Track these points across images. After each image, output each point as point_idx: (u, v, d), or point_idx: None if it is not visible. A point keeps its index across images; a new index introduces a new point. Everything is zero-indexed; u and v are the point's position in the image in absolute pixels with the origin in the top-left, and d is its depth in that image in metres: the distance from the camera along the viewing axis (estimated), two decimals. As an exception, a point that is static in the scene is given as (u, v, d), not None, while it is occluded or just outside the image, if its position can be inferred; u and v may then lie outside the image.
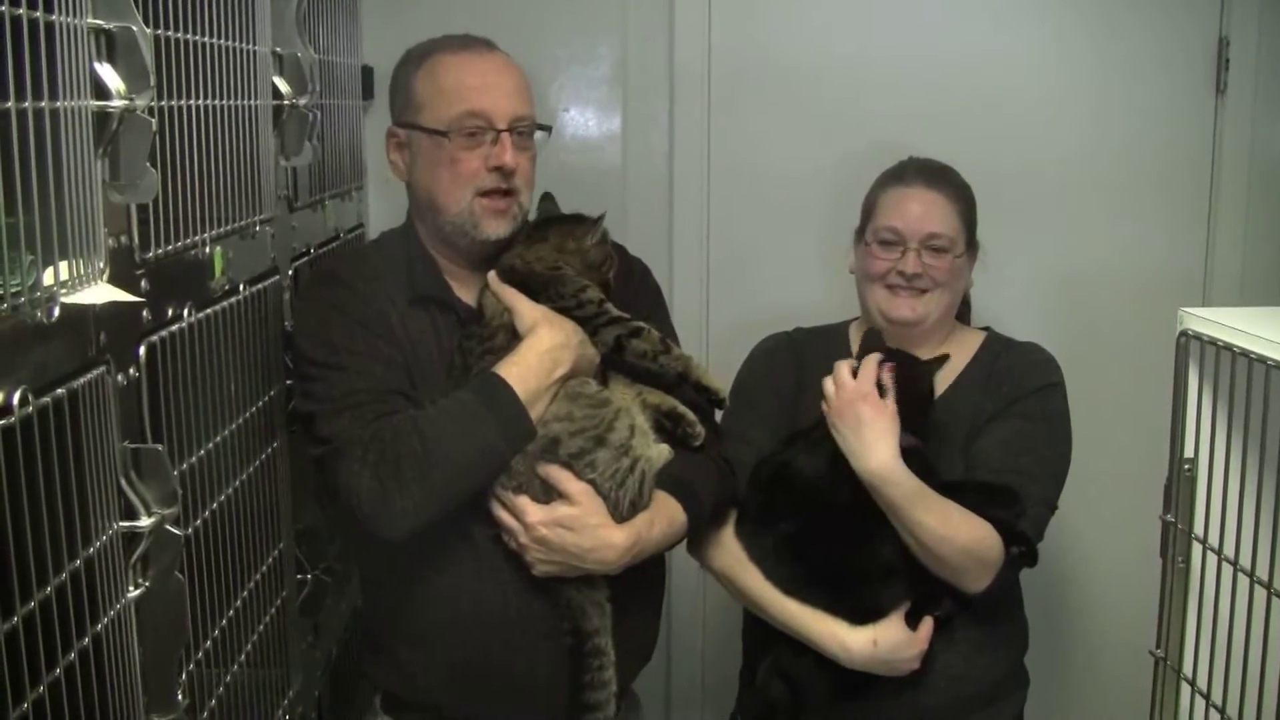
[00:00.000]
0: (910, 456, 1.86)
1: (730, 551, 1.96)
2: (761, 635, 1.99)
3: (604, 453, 1.74)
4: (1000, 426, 1.96)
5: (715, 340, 2.79)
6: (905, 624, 1.87)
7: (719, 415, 2.01)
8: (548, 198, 1.97)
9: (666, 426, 1.84)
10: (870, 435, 1.80)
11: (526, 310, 1.77)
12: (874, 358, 1.86)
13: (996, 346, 2.09)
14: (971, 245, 2.07)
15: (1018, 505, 1.87)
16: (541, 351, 1.74)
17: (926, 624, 1.88)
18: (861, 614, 1.87)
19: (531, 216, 1.91)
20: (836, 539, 1.88)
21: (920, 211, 2.01)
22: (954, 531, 1.81)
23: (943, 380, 2.03)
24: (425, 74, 1.83)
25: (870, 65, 2.71)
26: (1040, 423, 1.96)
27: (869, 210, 2.09)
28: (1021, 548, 1.86)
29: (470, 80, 1.81)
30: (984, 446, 1.95)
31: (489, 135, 1.79)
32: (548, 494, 1.73)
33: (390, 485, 1.63)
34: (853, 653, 1.86)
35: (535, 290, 1.80)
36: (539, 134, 1.87)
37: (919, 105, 2.69)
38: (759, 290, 2.78)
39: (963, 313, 2.17)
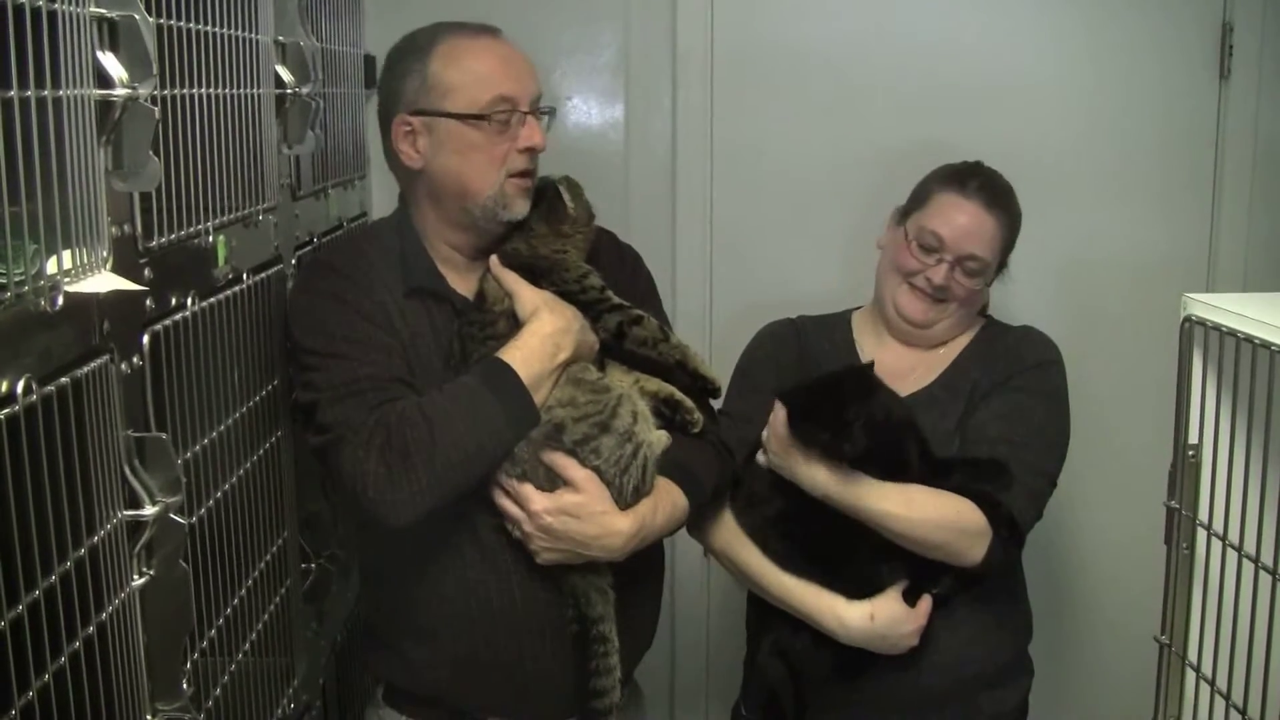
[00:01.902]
0: (899, 444, 1.86)
1: (729, 529, 1.97)
2: (763, 619, 1.99)
3: (608, 439, 1.73)
4: (997, 401, 1.97)
5: (718, 327, 2.78)
6: (903, 600, 1.87)
7: (720, 397, 2.01)
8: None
9: (665, 413, 1.85)
10: (797, 470, 1.87)
11: (528, 295, 1.78)
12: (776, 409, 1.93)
13: (994, 330, 2.11)
14: (1000, 269, 2.08)
15: (1004, 478, 1.87)
16: (544, 335, 1.74)
17: (925, 601, 1.88)
18: (859, 588, 1.87)
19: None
20: (831, 516, 1.88)
21: (969, 228, 2.00)
22: (922, 512, 1.83)
23: (940, 362, 2.06)
24: (446, 60, 1.80)
25: (871, 51, 2.70)
26: (1037, 396, 1.97)
27: (920, 200, 2.07)
28: (1004, 532, 1.86)
29: (496, 65, 1.80)
30: (980, 420, 1.96)
31: (516, 117, 1.80)
32: (552, 481, 1.73)
33: (397, 471, 1.63)
34: (850, 627, 1.87)
35: (538, 276, 1.81)
36: (544, 116, 1.86)
37: (920, 91, 2.68)
38: (762, 277, 2.77)
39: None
